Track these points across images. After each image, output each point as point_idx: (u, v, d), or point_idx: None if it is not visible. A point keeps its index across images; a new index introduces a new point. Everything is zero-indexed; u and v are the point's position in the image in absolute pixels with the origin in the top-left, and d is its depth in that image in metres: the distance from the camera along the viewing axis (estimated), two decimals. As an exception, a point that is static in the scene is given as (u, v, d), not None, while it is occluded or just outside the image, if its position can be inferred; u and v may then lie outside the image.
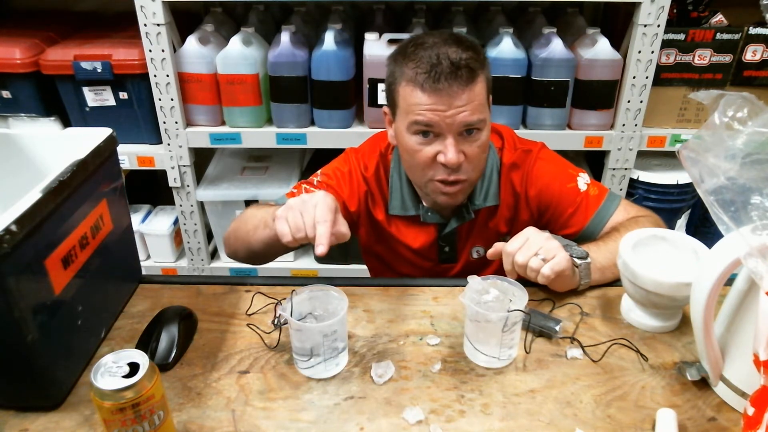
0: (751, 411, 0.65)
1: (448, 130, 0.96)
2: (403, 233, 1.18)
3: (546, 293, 0.99)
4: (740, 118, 0.67)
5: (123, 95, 1.71)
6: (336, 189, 1.14)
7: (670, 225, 1.86)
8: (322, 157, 2.00)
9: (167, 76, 1.65)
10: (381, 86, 1.65)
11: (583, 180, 1.12)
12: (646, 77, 1.63)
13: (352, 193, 1.15)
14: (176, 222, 1.95)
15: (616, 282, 1.00)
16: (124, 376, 0.65)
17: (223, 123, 1.77)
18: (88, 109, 1.72)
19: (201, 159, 1.94)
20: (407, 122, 0.98)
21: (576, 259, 0.95)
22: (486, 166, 1.11)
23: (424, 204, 1.13)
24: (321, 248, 0.80)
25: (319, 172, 1.18)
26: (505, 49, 1.62)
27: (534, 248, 0.91)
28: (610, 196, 1.12)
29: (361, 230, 1.22)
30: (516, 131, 1.70)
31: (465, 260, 1.20)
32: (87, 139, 0.86)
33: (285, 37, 1.64)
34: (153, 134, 1.78)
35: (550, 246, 0.91)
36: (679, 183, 1.75)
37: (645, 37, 1.58)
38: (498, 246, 0.95)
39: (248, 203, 1.87)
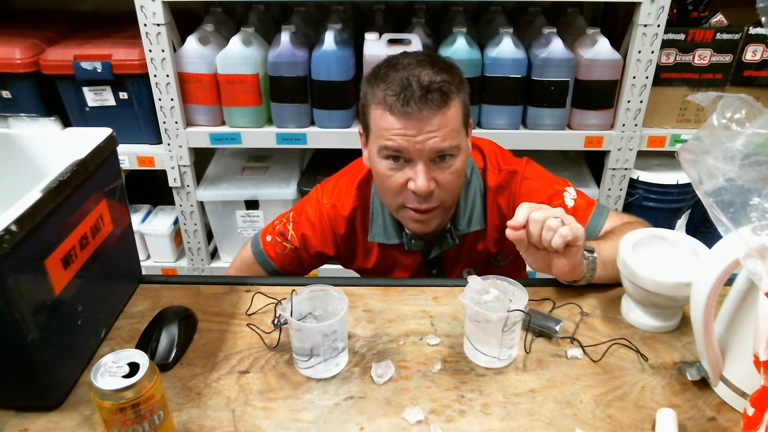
0: (751, 411, 0.65)
1: (419, 156, 0.93)
2: (388, 259, 1.16)
3: (546, 292, 0.99)
4: (738, 120, 0.67)
5: (123, 95, 1.71)
6: (310, 238, 1.15)
7: (670, 225, 1.86)
8: (322, 157, 2.01)
9: (167, 76, 1.65)
10: (381, 86, 1.65)
11: (570, 195, 1.09)
12: (646, 77, 1.63)
13: (326, 239, 1.15)
14: (176, 222, 1.95)
15: (616, 282, 1.00)
16: (124, 376, 0.65)
17: (223, 123, 1.77)
18: (88, 109, 1.72)
19: (201, 159, 1.94)
20: (377, 146, 0.96)
21: (585, 252, 0.93)
22: (469, 190, 1.09)
23: (407, 231, 1.11)
24: None
25: (291, 215, 1.17)
26: (505, 49, 1.62)
27: (554, 212, 0.86)
28: (598, 208, 1.09)
29: (350, 265, 1.22)
30: (516, 131, 1.72)
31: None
32: (87, 139, 0.86)
33: (285, 37, 1.64)
34: (153, 134, 1.78)
35: (569, 216, 0.87)
36: (679, 183, 1.75)
37: (645, 37, 1.58)
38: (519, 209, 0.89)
39: (248, 203, 1.87)
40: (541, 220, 0.85)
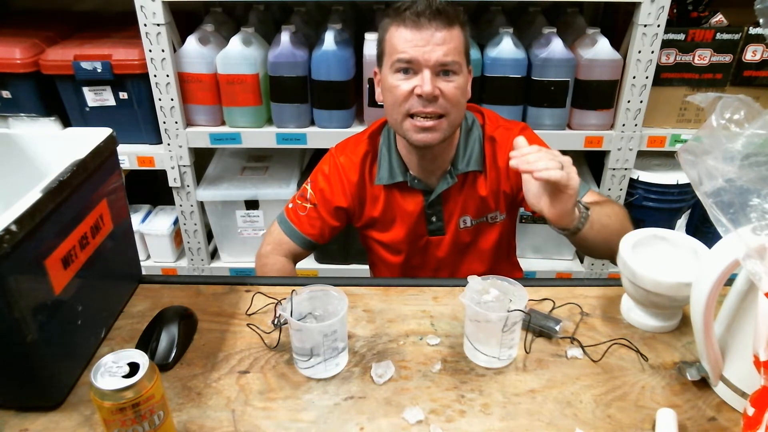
0: (751, 411, 0.65)
1: (426, 64, 1.02)
2: (392, 205, 1.22)
3: (546, 292, 0.99)
4: (737, 120, 0.67)
5: (123, 95, 1.71)
6: (326, 192, 1.22)
7: (670, 225, 1.85)
8: (322, 157, 2.01)
9: (167, 76, 1.65)
10: (381, 86, 1.66)
11: None
12: (646, 77, 1.63)
13: (340, 190, 1.22)
14: (176, 222, 1.95)
15: (616, 282, 1.00)
16: (124, 376, 0.65)
17: (223, 123, 1.77)
18: (88, 109, 1.72)
19: (201, 159, 1.94)
20: (391, 62, 1.06)
21: (581, 205, 1.00)
22: (470, 137, 1.18)
23: (411, 173, 1.18)
24: None
25: (309, 179, 1.26)
26: (505, 49, 1.62)
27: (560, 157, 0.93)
28: (582, 184, 1.14)
29: (360, 219, 1.25)
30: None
31: (454, 231, 1.22)
32: (87, 139, 0.86)
33: (285, 37, 1.64)
34: (153, 134, 1.78)
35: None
36: (679, 183, 1.75)
37: (645, 37, 1.58)
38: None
39: (248, 203, 1.87)
40: (538, 149, 0.91)
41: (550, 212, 0.96)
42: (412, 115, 1.06)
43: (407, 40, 1.03)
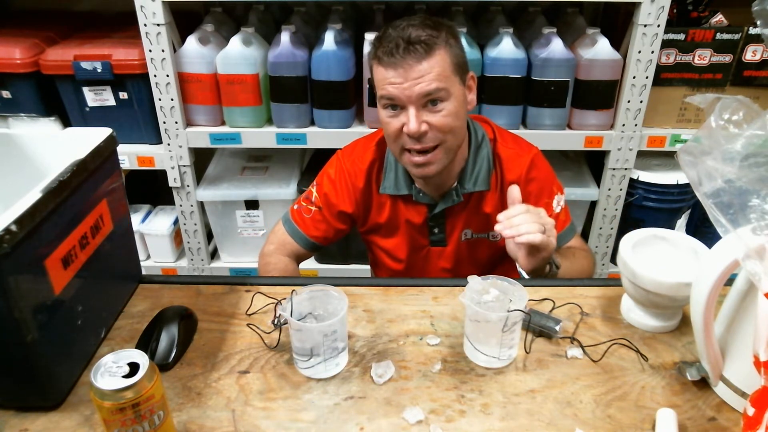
0: (751, 411, 0.65)
1: (409, 101, 1.01)
2: (397, 213, 1.22)
3: (546, 292, 0.99)
4: (736, 121, 0.67)
5: (123, 95, 1.71)
6: (331, 197, 1.21)
7: (670, 225, 1.85)
8: (322, 157, 2.00)
9: (167, 76, 1.65)
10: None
11: (558, 202, 1.18)
12: (646, 77, 1.63)
13: (346, 195, 1.21)
14: (176, 222, 1.95)
15: (616, 282, 1.00)
16: (124, 376, 0.65)
17: (223, 123, 1.77)
18: (88, 109, 1.72)
19: (201, 159, 1.94)
20: (379, 97, 1.05)
21: (555, 261, 1.07)
22: (479, 154, 1.16)
23: (416, 185, 1.17)
24: None
25: (314, 182, 1.25)
26: (505, 49, 1.62)
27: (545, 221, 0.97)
28: (571, 226, 1.20)
29: (366, 223, 1.25)
30: (516, 131, 1.72)
31: (455, 244, 1.22)
32: (87, 139, 0.86)
33: (285, 37, 1.64)
34: (153, 134, 1.78)
35: (551, 226, 0.99)
36: (679, 183, 1.75)
37: (645, 37, 1.58)
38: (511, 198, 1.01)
39: (248, 203, 1.88)
40: (527, 218, 0.95)
41: (524, 264, 1.00)
42: (409, 149, 1.06)
43: (386, 78, 1.01)
